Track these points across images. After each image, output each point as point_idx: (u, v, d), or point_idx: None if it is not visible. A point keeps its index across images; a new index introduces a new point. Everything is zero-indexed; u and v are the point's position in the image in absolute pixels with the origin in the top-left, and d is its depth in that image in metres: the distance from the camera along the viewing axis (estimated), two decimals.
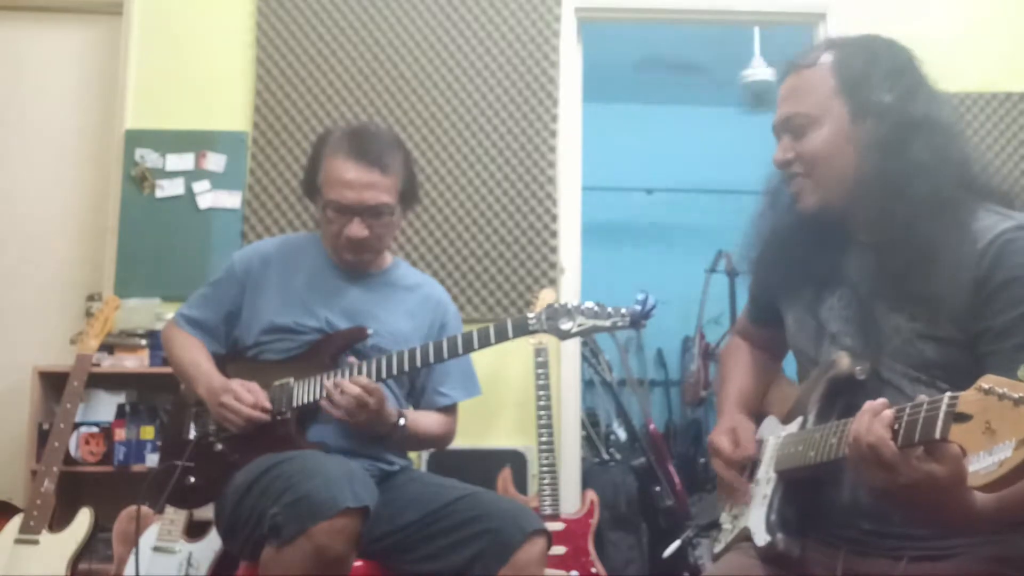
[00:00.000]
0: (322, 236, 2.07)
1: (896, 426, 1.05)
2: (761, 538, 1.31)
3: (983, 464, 0.88)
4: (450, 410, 2.11)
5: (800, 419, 1.36)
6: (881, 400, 1.09)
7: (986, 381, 0.91)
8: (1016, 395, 0.87)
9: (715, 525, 1.55)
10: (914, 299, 1.27)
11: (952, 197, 1.26)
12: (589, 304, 1.81)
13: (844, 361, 1.30)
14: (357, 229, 1.93)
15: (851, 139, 1.33)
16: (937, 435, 0.97)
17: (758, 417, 1.54)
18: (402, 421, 1.93)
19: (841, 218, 1.37)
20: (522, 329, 1.82)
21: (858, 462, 1.10)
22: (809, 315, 1.43)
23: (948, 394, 0.97)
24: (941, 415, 0.97)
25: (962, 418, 0.93)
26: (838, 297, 1.39)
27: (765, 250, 1.52)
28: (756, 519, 1.35)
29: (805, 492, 1.34)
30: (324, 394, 1.85)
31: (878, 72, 1.33)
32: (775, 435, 1.42)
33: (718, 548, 1.49)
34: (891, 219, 1.27)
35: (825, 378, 1.33)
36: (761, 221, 1.51)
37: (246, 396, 1.87)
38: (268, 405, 1.89)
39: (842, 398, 1.32)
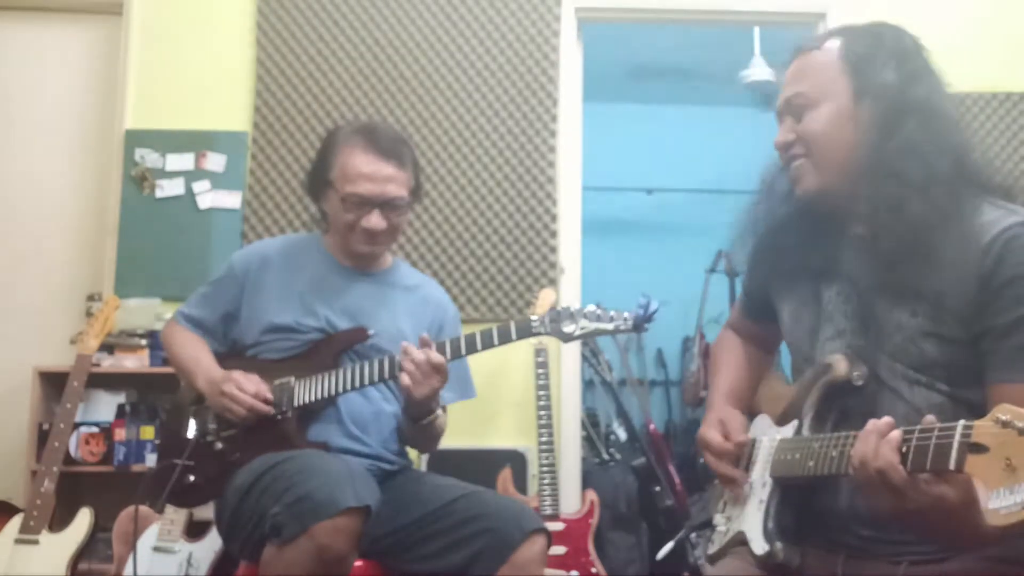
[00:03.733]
0: (331, 230, 2.07)
1: (904, 449, 1.02)
2: (759, 546, 1.29)
3: (1005, 503, 0.86)
4: (443, 410, 2.12)
5: (795, 423, 1.33)
6: (886, 420, 1.06)
7: (1003, 411, 0.88)
8: None
9: (709, 524, 1.53)
10: (915, 294, 1.24)
11: (947, 184, 1.24)
12: (592, 307, 1.82)
13: (841, 366, 1.27)
14: (376, 221, 1.95)
15: (852, 119, 1.31)
16: (952, 466, 0.93)
17: (749, 413, 1.53)
18: (440, 411, 1.97)
19: (838, 205, 1.35)
20: (525, 331, 1.83)
21: (865, 485, 1.07)
22: (806, 309, 1.41)
23: (962, 423, 0.93)
24: (955, 445, 0.93)
25: (978, 449, 0.90)
26: (836, 291, 1.36)
27: (760, 243, 1.50)
28: (753, 525, 1.33)
29: (802, 497, 1.32)
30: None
31: (883, 53, 1.32)
32: (768, 436, 1.40)
33: (712, 549, 1.47)
34: (883, 202, 1.25)
35: (820, 383, 1.30)
36: (755, 213, 1.49)
37: (248, 385, 1.88)
38: (269, 396, 1.89)
39: (837, 403, 1.30)
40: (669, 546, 1.76)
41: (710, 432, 1.46)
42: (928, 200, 1.22)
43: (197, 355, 2.01)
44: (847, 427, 1.18)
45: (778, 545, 1.26)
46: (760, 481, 1.36)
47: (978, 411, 1.17)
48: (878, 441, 1.04)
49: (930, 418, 1.01)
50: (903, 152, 1.25)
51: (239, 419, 1.89)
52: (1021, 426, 0.85)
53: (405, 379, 1.83)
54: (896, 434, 1.03)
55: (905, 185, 1.23)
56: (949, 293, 1.20)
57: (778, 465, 1.32)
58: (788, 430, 1.35)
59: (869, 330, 1.30)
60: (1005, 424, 0.87)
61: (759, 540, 1.29)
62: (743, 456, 1.42)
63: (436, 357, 1.82)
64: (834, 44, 1.35)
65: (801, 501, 1.31)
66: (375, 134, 1.98)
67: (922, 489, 1.00)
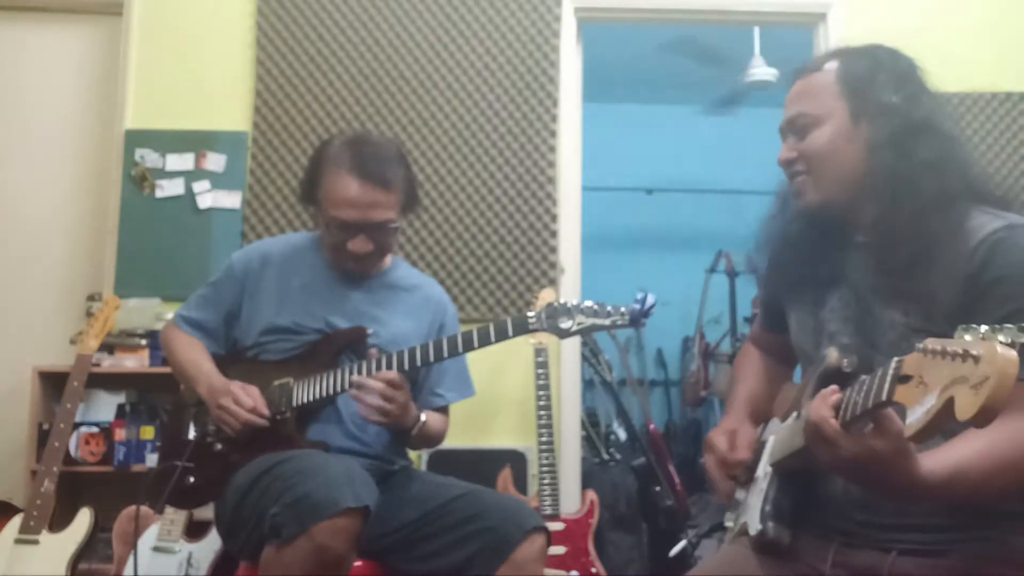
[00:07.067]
0: (322, 243, 2.07)
1: (843, 404, 1.12)
2: (754, 528, 1.35)
3: (915, 416, 0.95)
4: (444, 410, 2.12)
5: (794, 414, 1.39)
6: (832, 387, 1.16)
7: (926, 344, 0.96)
8: (946, 349, 0.92)
9: (719, 528, 1.58)
10: (908, 295, 1.31)
11: (953, 198, 1.31)
12: (588, 303, 1.81)
13: (833, 355, 1.33)
14: (361, 244, 1.94)
15: (852, 139, 1.39)
16: (884, 397, 1.02)
17: (766, 419, 1.57)
18: (423, 417, 1.96)
19: (841, 216, 1.42)
20: (522, 327, 1.82)
21: (809, 441, 1.18)
22: (810, 316, 1.47)
23: (895, 359, 1.02)
24: (889, 378, 1.02)
25: (905, 379, 0.99)
26: (838, 298, 1.42)
27: (773, 257, 1.58)
28: (753, 512, 1.39)
29: (800, 484, 1.38)
30: (347, 388, 1.86)
31: (881, 76, 1.40)
32: (774, 434, 1.45)
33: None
34: (895, 216, 1.32)
35: (816, 374, 1.35)
36: (770, 225, 1.57)
37: (245, 400, 1.87)
38: (266, 411, 1.89)
39: None
40: (682, 544, 1.81)
41: (719, 438, 1.54)
42: (937, 213, 1.30)
43: (198, 360, 2.00)
44: None
45: (769, 524, 1.33)
46: (763, 473, 1.42)
47: None
48: (820, 402, 1.15)
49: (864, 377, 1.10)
50: (915, 171, 1.32)
51: (234, 433, 1.89)
52: (935, 349, 0.94)
53: (373, 415, 1.83)
54: (836, 396, 1.14)
55: (917, 201, 1.31)
56: (939, 294, 1.27)
57: (775, 452, 1.39)
58: (788, 422, 1.41)
59: (864, 330, 1.37)
60: (925, 352, 0.96)
61: (755, 523, 1.36)
62: (741, 471, 1.49)
63: (388, 375, 1.82)
64: (832, 66, 1.43)
65: (799, 488, 1.37)
66: (362, 153, 1.91)
67: (853, 440, 1.09)
